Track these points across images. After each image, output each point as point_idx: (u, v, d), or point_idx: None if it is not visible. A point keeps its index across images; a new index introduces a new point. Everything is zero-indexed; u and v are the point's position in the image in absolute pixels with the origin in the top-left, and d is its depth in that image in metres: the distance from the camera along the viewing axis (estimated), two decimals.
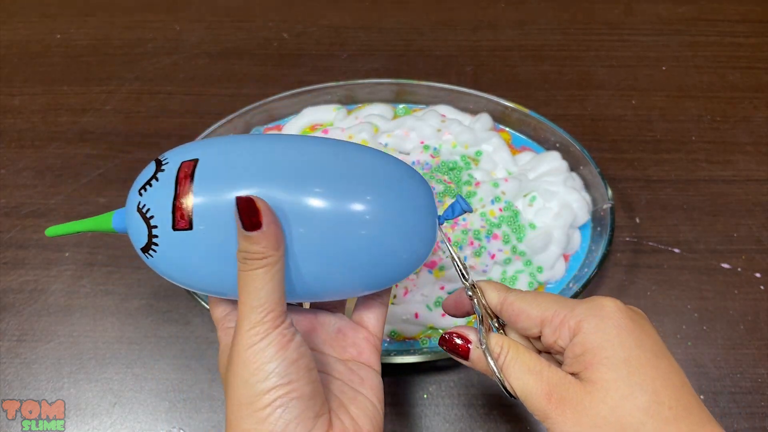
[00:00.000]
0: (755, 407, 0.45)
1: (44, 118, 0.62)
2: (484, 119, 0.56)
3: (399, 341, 0.47)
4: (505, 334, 0.32)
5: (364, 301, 0.34)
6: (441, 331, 0.47)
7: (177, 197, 0.18)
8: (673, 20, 0.71)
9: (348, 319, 0.34)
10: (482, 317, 0.31)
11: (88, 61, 0.68)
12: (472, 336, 0.31)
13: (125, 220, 0.23)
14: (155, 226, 0.19)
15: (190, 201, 0.18)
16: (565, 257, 0.50)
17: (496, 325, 0.32)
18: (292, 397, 0.26)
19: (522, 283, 0.48)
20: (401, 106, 0.59)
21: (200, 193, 0.18)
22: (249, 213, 0.25)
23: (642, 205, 0.55)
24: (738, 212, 0.55)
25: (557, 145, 0.55)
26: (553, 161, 0.53)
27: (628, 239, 0.53)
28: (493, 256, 0.48)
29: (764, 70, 0.66)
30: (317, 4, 0.73)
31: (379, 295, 0.34)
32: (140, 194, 0.18)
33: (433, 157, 0.53)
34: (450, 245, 0.33)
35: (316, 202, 0.20)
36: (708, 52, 0.68)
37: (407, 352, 0.45)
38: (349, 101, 0.59)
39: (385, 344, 0.47)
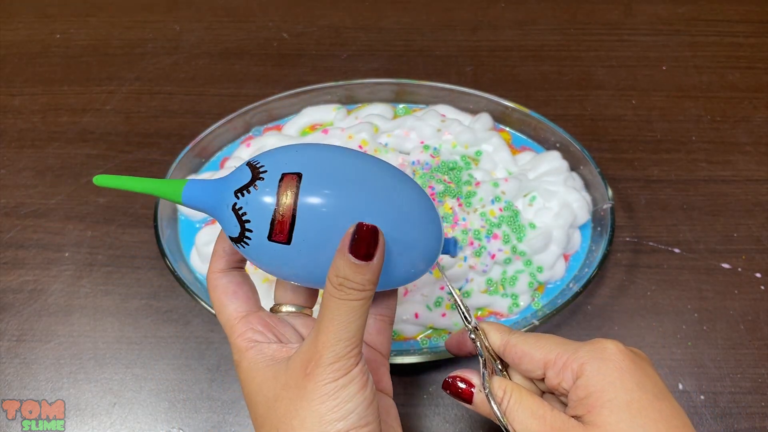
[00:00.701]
0: (755, 407, 0.45)
1: (44, 118, 0.62)
2: (484, 119, 0.56)
3: (399, 341, 0.47)
4: (509, 376, 0.32)
5: (375, 325, 0.33)
6: (441, 331, 0.47)
7: (278, 211, 0.18)
8: (673, 20, 0.71)
9: (367, 346, 0.33)
10: (485, 360, 0.31)
11: (88, 61, 0.68)
12: (475, 380, 0.31)
13: (208, 204, 0.22)
14: (250, 230, 0.19)
15: (291, 217, 0.18)
16: (565, 257, 0.50)
17: (500, 366, 0.32)
18: None
19: (522, 283, 0.48)
20: (401, 106, 0.59)
21: (304, 212, 0.18)
22: (369, 243, 0.24)
23: (642, 205, 0.55)
24: (738, 212, 0.55)
25: (557, 145, 0.55)
26: (553, 161, 0.53)
27: (628, 239, 0.53)
28: (493, 256, 0.48)
29: (764, 70, 0.66)
30: (317, 4, 0.73)
31: (389, 316, 0.33)
32: (237, 196, 0.19)
33: (433, 157, 0.53)
34: (452, 287, 0.33)
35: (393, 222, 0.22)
36: (708, 52, 0.68)
37: (407, 352, 0.45)
38: (349, 101, 0.59)
39: None
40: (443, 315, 0.47)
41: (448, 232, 0.49)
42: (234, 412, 0.45)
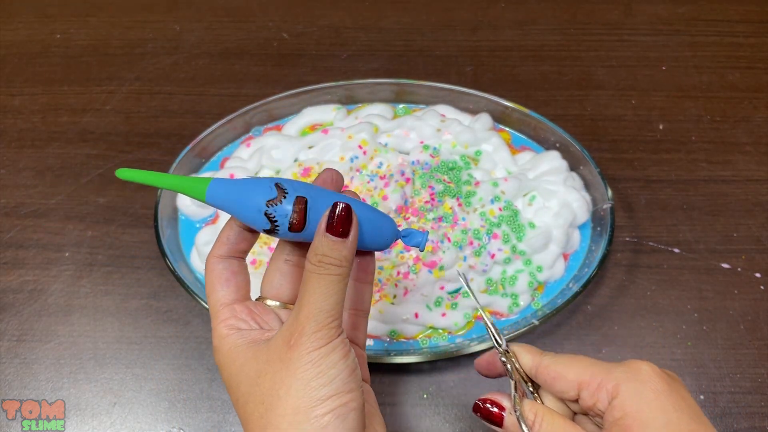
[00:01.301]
0: (755, 407, 0.45)
1: (44, 118, 0.62)
2: (484, 119, 0.56)
3: (399, 341, 0.47)
4: (540, 399, 0.32)
5: (350, 320, 0.34)
6: (441, 331, 0.47)
7: (293, 216, 0.28)
8: (673, 20, 0.71)
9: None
10: (516, 383, 0.31)
11: (88, 61, 0.68)
12: (505, 403, 0.31)
13: (234, 206, 0.29)
14: (278, 226, 0.28)
15: (302, 220, 0.28)
16: (565, 256, 0.50)
17: (531, 389, 0.32)
18: (351, 408, 0.26)
19: (522, 283, 0.48)
20: (401, 106, 0.59)
21: (310, 216, 0.28)
22: (345, 221, 0.28)
23: (642, 205, 0.55)
24: (738, 212, 0.55)
25: (557, 144, 0.55)
26: (553, 161, 0.53)
27: (627, 239, 0.53)
28: (492, 256, 0.48)
29: (764, 70, 0.66)
30: (317, 4, 0.73)
31: (363, 309, 0.34)
32: (268, 206, 0.28)
33: (433, 156, 0.53)
34: (482, 310, 0.33)
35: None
36: (708, 53, 0.68)
37: (407, 352, 0.45)
38: (349, 101, 0.59)
39: (385, 344, 0.47)
40: (443, 315, 0.47)
41: (448, 231, 0.49)
42: (234, 412, 0.45)
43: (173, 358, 0.47)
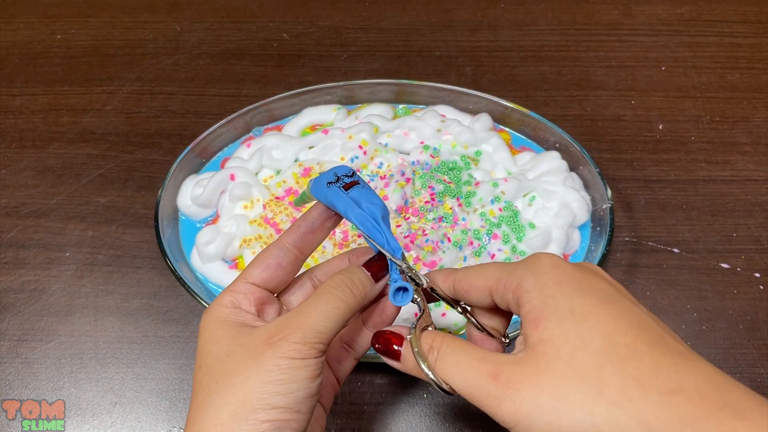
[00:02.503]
0: None
1: (45, 119, 0.63)
2: (484, 119, 0.56)
3: None
4: (473, 317, 0.31)
5: (341, 352, 0.33)
6: (441, 331, 0.47)
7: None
8: (672, 21, 0.71)
9: (328, 369, 0.33)
10: (421, 317, 0.30)
11: (88, 61, 0.68)
12: (405, 334, 0.30)
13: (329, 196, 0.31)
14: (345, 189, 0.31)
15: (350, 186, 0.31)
16: (565, 257, 0.50)
17: (459, 310, 0.31)
18: (291, 427, 0.26)
19: None
20: (401, 106, 0.60)
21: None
22: (383, 268, 0.30)
23: (641, 205, 0.56)
24: (737, 212, 0.55)
25: (557, 145, 0.55)
26: (553, 161, 0.53)
27: (627, 239, 0.54)
28: (492, 256, 0.48)
29: (763, 70, 0.66)
30: (317, 4, 0.73)
31: (357, 352, 0.33)
32: (327, 185, 0.31)
33: (433, 157, 0.54)
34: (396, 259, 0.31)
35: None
36: (707, 53, 0.68)
37: None
38: (349, 101, 0.59)
39: None
40: (443, 315, 0.47)
41: (448, 232, 0.49)
42: None
43: (174, 358, 0.48)
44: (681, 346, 0.24)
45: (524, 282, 0.27)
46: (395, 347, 0.29)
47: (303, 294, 0.33)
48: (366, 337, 0.33)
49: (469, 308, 0.32)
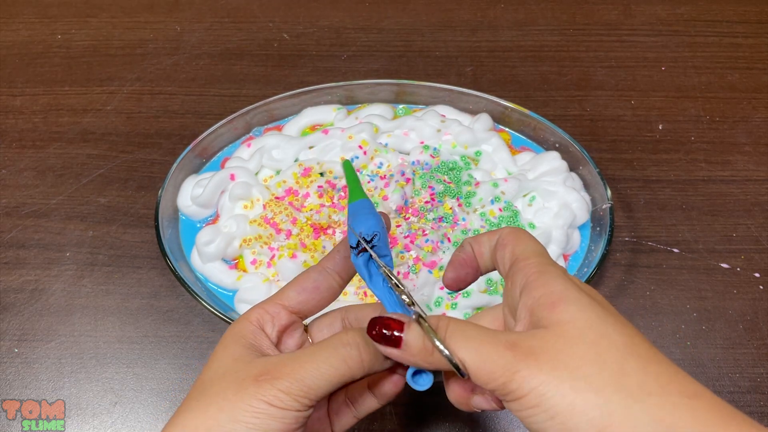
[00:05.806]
0: (754, 407, 0.45)
1: (45, 119, 0.63)
2: (484, 119, 0.56)
3: None
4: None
5: (341, 407, 0.32)
6: None
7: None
8: (672, 21, 0.71)
9: (324, 414, 0.32)
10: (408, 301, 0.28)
11: (89, 61, 0.68)
12: (404, 320, 0.27)
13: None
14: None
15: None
16: (565, 257, 0.50)
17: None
18: None
19: None
20: (401, 106, 0.60)
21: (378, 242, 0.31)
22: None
23: (641, 205, 0.56)
24: (737, 212, 0.55)
25: (557, 145, 0.55)
26: (553, 161, 0.53)
27: (627, 239, 0.54)
28: None
29: (763, 70, 0.66)
30: (317, 4, 0.73)
31: (356, 410, 0.32)
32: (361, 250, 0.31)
33: (433, 157, 0.54)
34: (386, 269, 0.30)
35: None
36: (707, 53, 0.68)
37: None
38: (350, 101, 0.59)
39: None
40: (443, 315, 0.47)
41: (448, 232, 0.49)
42: None
43: (174, 358, 0.48)
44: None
45: (504, 232, 0.29)
46: (396, 333, 0.26)
47: (330, 332, 0.32)
48: (370, 403, 0.31)
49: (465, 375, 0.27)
